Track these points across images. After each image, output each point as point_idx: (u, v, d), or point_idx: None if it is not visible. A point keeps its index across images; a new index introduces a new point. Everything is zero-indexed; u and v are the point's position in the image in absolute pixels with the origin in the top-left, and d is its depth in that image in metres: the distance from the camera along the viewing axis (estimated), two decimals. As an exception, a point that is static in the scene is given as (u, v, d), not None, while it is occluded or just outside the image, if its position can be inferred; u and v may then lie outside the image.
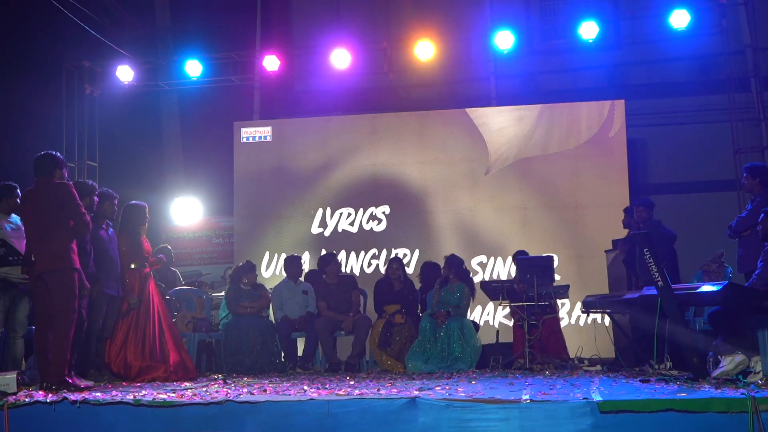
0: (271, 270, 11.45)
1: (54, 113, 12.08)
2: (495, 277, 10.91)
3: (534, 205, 11.06)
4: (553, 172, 11.09)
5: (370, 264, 11.26)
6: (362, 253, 11.31)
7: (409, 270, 10.65)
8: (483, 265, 11.06)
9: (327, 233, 11.47)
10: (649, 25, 11.67)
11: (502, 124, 11.34)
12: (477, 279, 10.52)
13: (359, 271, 11.18)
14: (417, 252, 11.13)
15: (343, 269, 10.56)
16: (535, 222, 11.05)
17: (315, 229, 11.48)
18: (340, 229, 11.43)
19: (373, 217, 11.40)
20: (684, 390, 5.75)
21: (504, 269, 10.97)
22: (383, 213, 11.37)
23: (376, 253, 11.25)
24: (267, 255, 11.48)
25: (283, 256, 10.72)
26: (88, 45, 12.49)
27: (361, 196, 11.48)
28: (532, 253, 9.88)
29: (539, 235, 10.91)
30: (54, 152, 6.96)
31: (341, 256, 10.83)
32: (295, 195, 11.63)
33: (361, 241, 11.37)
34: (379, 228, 11.37)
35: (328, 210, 11.52)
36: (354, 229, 11.41)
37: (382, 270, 10.66)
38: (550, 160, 11.12)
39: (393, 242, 11.20)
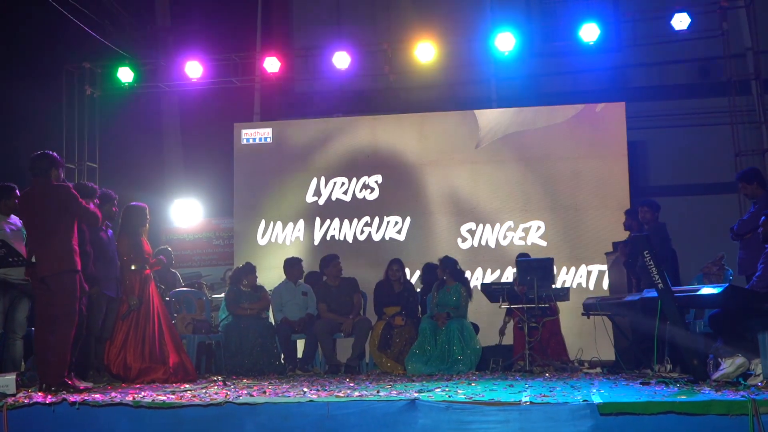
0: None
1: (54, 114, 12.06)
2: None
3: (534, 207, 11.04)
4: (553, 173, 11.08)
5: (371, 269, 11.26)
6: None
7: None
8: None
9: (327, 237, 11.45)
10: (650, 28, 11.65)
11: (502, 126, 11.33)
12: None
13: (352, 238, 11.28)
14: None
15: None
16: (535, 224, 11.03)
17: (316, 235, 11.46)
18: (339, 234, 11.41)
19: (370, 226, 11.39)
20: (684, 392, 5.75)
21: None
22: (389, 223, 11.37)
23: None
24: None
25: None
26: (88, 46, 12.50)
27: (361, 199, 11.47)
28: (531, 256, 9.87)
29: (539, 237, 10.90)
30: (50, 152, 6.94)
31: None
32: (294, 196, 11.61)
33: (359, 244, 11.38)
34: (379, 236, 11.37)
35: (327, 212, 11.52)
36: (350, 235, 11.41)
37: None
38: (550, 161, 11.11)
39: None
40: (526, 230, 11.00)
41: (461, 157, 11.29)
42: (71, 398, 5.84)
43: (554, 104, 11.58)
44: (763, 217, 6.86)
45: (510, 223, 11.06)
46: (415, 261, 10.71)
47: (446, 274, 9.46)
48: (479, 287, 9.82)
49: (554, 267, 9.25)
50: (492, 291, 9.38)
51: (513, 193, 11.16)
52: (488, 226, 11.14)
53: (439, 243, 11.07)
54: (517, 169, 11.18)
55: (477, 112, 11.48)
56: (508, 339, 9.59)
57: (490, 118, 11.38)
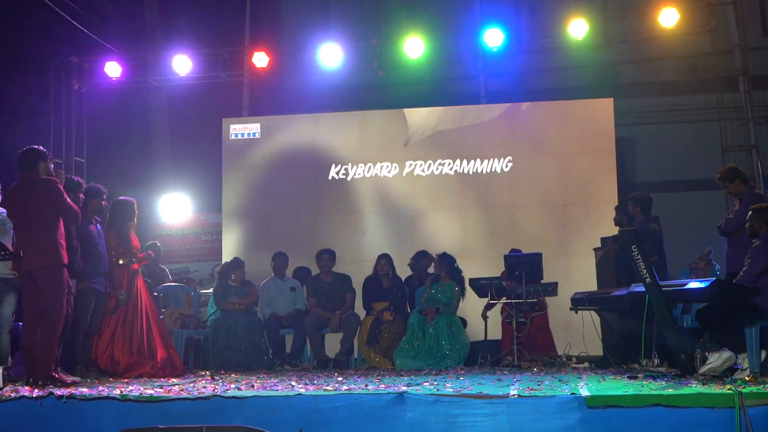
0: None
1: (41, 109, 12.02)
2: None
3: (522, 203, 11.06)
4: (541, 170, 11.10)
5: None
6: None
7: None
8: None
9: (315, 229, 11.45)
10: (638, 24, 11.68)
11: (490, 122, 11.35)
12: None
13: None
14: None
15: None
16: (523, 220, 11.05)
17: (303, 225, 11.46)
18: (329, 227, 11.41)
19: (363, 216, 11.40)
20: (671, 386, 5.77)
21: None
22: (373, 216, 11.38)
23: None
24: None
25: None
26: (76, 40, 12.45)
27: (350, 193, 11.47)
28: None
29: (528, 233, 10.91)
30: (37, 146, 6.92)
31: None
32: (283, 192, 11.59)
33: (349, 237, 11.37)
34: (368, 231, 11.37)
35: (317, 207, 11.50)
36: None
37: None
38: (538, 158, 11.13)
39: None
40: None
41: (457, 180, 11.32)
42: (58, 392, 5.83)
43: (543, 100, 11.61)
44: (750, 212, 6.90)
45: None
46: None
47: (443, 271, 9.45)
48: (468, 283, 9.81)
49: (542, 262, 9.26)
50: (480, 286, 9.38)
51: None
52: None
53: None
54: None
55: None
56: (496, 334, 9.60)
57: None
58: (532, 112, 11.30)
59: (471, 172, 11.23)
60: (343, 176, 11.49)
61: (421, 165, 11.32)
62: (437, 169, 11.27)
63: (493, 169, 11.22)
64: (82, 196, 7.63)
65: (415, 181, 11.32)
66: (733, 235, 7.74)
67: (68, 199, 6.88)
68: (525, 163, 11.14)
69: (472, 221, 11.19)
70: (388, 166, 11.40)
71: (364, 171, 11.47)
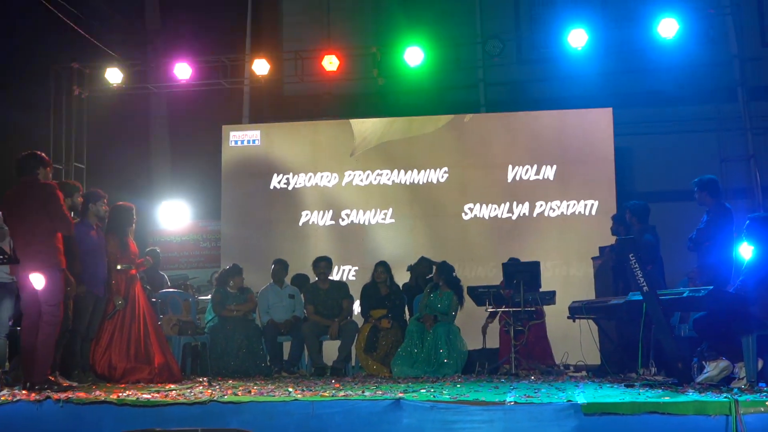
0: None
1: (42, 114, 12.04)
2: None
3: (521, 211, 11.08)
4: (540, 178, 11.13)
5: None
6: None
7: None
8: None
9: (313, 237, 11.46)
10: (637, 34, 11.72)
11: (490, 131, 11.39)
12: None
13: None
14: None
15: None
16: (522, 228, 11.07)
17: (302, 233, 11.48)
18: (326, 232, 11.43)
19: (357, 217, 11.43)
20: (668, 394, 5.77)
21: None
22: (377, 216, 11.40)
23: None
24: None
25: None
26: (77, 46, 12.49)
27: (349, 200, 11.49)
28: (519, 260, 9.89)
29: (526, 242, 10.93)
30: (37, 151, 6.94)
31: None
32: (282, 199, 11.62)
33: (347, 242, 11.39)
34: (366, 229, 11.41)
35: (315, 214, 11.52)
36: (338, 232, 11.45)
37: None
38: (537, 167, 11.16)
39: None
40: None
41: (458, 187, 11.39)
42: (56, 396, 5.83)
43: (542, 109, 11.68)
44: (747, 221, 6.94)
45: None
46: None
47: (441, 279, 9.45)
48: (466, 292, 9.82)
49: (540, 270, 9.27)
50: (478, 294, 9.38)
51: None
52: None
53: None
54: (386, 176, 11.41)
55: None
56: (494, 342, 9.60)
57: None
58: (530, 120, 11.34)
59: (410, 182, 11.47)
60: (336, 182, 11.53)
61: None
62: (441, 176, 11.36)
63: (429, 180, 11.36)
64: (80, 199, 7.64)
65: (416, 189, 11.38)
66: (702, 247, 7.77)
67: (64, 208, 6.88)
68: (523, 172, 11.17)
69: (470, 230, 11.22)
70: (387, 173, 11.46)
71: (362, 178, 11.51)
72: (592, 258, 10.10)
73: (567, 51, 11.33)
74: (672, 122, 12.57)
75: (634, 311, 7.13)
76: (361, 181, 11.51)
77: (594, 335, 9.07)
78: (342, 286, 9.95)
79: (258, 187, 11.70)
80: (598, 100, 12.04)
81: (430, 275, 10.08)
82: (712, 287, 6.42)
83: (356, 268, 11.25)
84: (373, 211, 11.48)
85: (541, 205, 11.10)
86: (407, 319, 9.61)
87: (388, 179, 11.48)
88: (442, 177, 11.37)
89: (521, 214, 11.16)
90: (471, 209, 11.25)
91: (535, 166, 11.20)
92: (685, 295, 6.62)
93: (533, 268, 9.11)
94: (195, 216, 13.98)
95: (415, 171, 11.43)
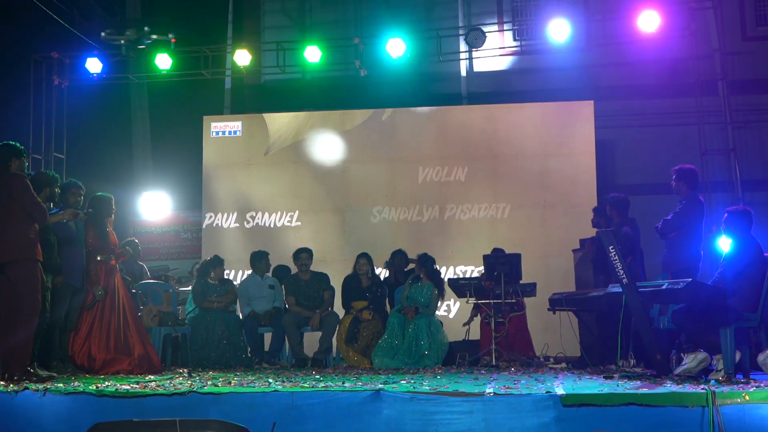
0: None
1: (21, 104, 11.95)
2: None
3: (503, 204, 11.11)
4: (522, 171, 11.17)
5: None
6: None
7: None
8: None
9: (293, 228, 11.45)
10: (619, 27, 11.77)
11: (471, 123, 11.41)
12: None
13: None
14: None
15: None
16: (503, 220, 11.10)
17: (282, 224, 11.46)
18: (304, 225, 11.42)
19: (340, 215, 11.41)
20: (646, 385, 5.81)
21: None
22: (354, 213, 11.41)
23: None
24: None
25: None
26: (57, 36, 12.38)
27: (329, 193, 11.49)
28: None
29: (508, 234, 10.95)
30: (12, 142, 6.88)
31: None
32: (263, 190, 11.59)
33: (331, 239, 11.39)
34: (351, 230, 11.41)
35: (296, 206, 11.51)
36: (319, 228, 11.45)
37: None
38: (519, 159, 11.20)
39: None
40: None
41: (439, 181, 11.45)
42: (34, 387, 5.80)
43: (524, 102, 11.72)
44: (726, 214, 6.98)
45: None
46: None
47: (422, 272, 9.46)
48: (447, 283, 9.83)
49: (521, 263, 9.29)
50: (459, 286, 9.40)
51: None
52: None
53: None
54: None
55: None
56: (475, 334, 9.62)
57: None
58: (512, 113, 11.37)
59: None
60: (324, 175, 11.55)
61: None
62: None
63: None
64: (58, 190, 7.58)
65: (406, 182, 11.40)
66: (669, 237, 7.81)
67: (35, 196, 6.83)
68: (505, 164, 11.20)
69: (452, 222, 11.24)
70: (375, 170, 11.47)
71: (352, 171, 11.50)
72: (573, 250, 10.14)
73: (549, 44, 11.35)
74: (653, 115, 12.62)
75: (614, 303, 7.16)
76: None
77: (574, 327, 9.12)
78: (323, 277, 9.92)
79: (239, 178, 11.66)
80: (580, 92, 12.09)
81: (408, 268, 10.12)
82: (690, 280, 6.45)
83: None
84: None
85: (522, 197, 11.13)
86: (388, 310, 9.61)
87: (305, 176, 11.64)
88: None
89: (500, 208, 11.20)
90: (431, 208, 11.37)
91: (518, 157, 11.25)
92: (664, 287, 6.66)
93: (514, 260, 9.14)
94: (176, 207, 13.92)
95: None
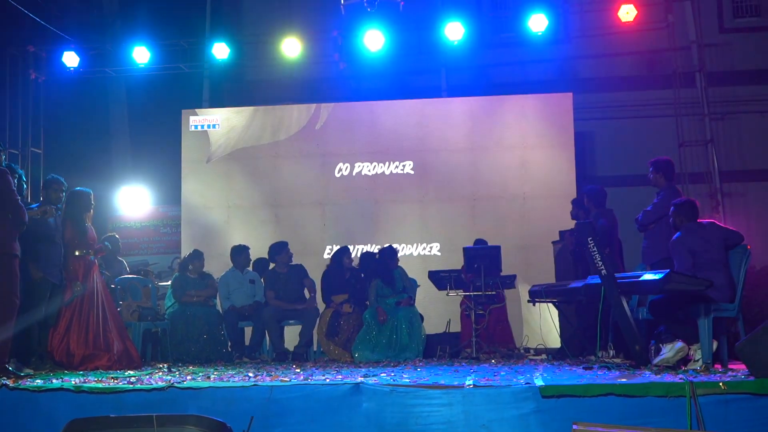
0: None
1: (-3, 99, 11.85)
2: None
3: (482, 196, 11.13)
4: (501, 163, 11.20)
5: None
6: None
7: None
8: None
9: (275, 222, 11.43)
10: (597, 19, 11.79)
11: (451, 116, 11.42)
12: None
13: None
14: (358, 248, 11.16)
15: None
16: (483, 213, 11.12)
17: (262, 218, 11.45)
18: (288, 219, 11.39)
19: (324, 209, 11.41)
20: (625, 375, 5.84)
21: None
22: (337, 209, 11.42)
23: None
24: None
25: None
26: (33, 29, 12.26)
27: (310, 187, 11.48)
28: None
29: (487, 226, 10.98)
30: None
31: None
32: (243, 184, 11.56)
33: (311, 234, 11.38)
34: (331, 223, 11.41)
35: (276, 200, 11.49)
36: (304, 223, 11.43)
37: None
38: (498, 151, 11.22)
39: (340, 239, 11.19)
40: None
41: (418, 173, 11.47)
42: (11, 384, 5.76)
43: (503, 94, 11.74)
44: (672, 208, 7.03)
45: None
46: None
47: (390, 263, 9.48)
48: (428, 276, 9.84)
49: (501, 255, 9.31)
50: (439, 278, 9.42)
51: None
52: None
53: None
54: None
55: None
56: (455, 326, 9.65)
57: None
58: (492, 105, 11.39)
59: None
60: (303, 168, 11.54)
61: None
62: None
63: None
64: (24, 185, 7.54)
65: (376, 178, 11.39)
66: (649, 228, 7.86)
67: (15, 195, 6.77)
68: (485, 157, 11.22)
69: (433, 214, 11.26)
70: (359, 165, 11.46)
71: (341, 166, 11.49)
72: (552, 242, 10.19)
73: (528, 36, 11.36)
74: (631, 107, 12.67)
75: (593, 295, 7.20)
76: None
77: (554, 319, 9.16)
78: (299, 268, 9.89)
79: (218, 171, 11.63)
80: (559, 84, 12.12)
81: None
82: (668, 270, 6.49)
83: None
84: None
85: (501, 189, 11.16)
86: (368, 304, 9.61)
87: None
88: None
89: (481, 197, 11.21)
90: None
91: (498, 150, 11.27)
92: (642, 278, 6.70)
93: (494, 252, 9.17)
94: (155, 201, 13.83)
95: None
